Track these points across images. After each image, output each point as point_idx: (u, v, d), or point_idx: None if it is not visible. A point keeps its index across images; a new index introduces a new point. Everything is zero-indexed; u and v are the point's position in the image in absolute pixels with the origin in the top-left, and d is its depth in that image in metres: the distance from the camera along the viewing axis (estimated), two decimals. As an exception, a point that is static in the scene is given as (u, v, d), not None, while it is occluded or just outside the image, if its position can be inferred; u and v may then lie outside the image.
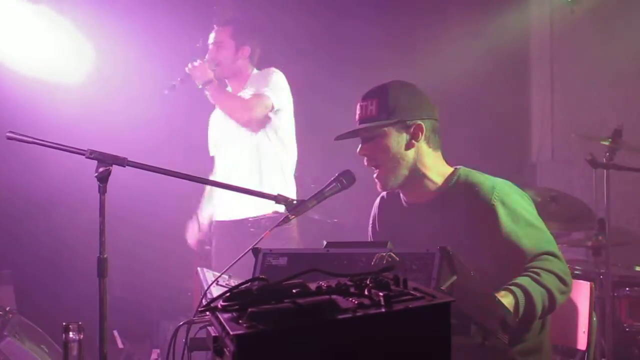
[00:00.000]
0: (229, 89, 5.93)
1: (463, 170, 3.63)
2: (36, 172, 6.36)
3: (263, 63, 5.95)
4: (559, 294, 3.35)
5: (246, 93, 5.77)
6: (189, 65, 5.69)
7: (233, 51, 5.82)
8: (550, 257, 3.40)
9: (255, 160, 5.72)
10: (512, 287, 3.27)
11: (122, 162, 3.47)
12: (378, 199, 3.94)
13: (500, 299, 3.18)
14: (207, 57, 5.82)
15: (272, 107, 5.66)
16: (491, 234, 3.41)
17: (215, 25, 5.90)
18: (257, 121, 5.69)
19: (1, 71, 6.27)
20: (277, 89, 5.70)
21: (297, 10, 7.33)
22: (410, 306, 2.03)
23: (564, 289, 3.38)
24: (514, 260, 3.40)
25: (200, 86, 5.69)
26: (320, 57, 7.52)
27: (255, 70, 5.91)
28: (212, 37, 5.88)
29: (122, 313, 5.44)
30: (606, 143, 5.71)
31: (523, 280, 3.30)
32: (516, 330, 3.24)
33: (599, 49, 7.52)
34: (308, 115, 5.92)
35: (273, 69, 5.85)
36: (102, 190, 3.39)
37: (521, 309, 3.24)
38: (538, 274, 3.32)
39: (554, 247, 3.46)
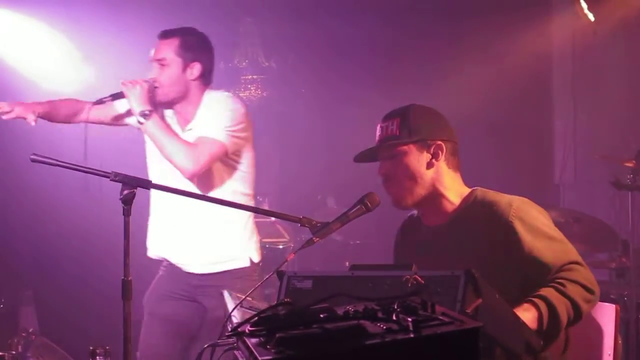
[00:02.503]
0: (173, 119, 4.86)
1: (480, 190, 3.62)
2: (57, 193, 6.38)
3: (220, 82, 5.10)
4: (584, 303, 3.32)
5: (195, 126, 4.74)
6: (122, 81, 4.67)
7: (179, 70, 4.74)
8: (575, 266, 3.38)
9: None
10: (536, 300, 3.26)
11: (147, 184, 3.49)
12: (401, 223, 3.94)
13: (524, 312, 3.18)
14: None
15: (227, 153, 4.69)
16: (512, 251, 3.40)
17: (157, 39, 4.84)
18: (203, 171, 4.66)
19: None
20: (232, 128, 4.67)
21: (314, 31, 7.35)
22: (438, 331, 2.02)
23: (590, 298, 3.36)
24: (539, 275, 3.38)
25: (136, 115, 4.61)
26: (339, 79, 7.54)
27: (208, 92, 4.84)
28: (152, 52, 4.82)
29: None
30: (630, 165, 5.69)
31: (547, 291, 3.29)
32: (541, 351, 3.23)
33: (621, 69, 7.51)
34: (331, 137, 5.86)
35: (227, 96, 4.87)
36: (127, 213, 3.38)
37: (545, 322, 3.23)
38: (563, 285, 3.30)
39: (577, 256, 3.43)
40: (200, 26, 4.85)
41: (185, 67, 4.74)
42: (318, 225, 3.56)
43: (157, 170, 4.84)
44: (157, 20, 6.52)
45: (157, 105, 4.74)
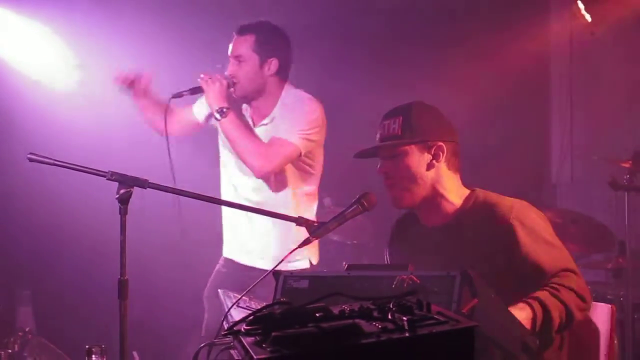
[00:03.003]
0: (248, 113, 4.90)
1: (480, 192, 3.64)
2: (56, 192, 6.36)
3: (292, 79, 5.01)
4: (577, 311, 3.36)
5: (270, 123, 4.79)
6: (202, 76, 4.71)
7: (256, 66, 4.77)
8: (570, 274, 3.41)
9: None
10: (530, 301, 3.29)
11: (143, 184, 3.46)
12: (395, 221, 3.94)
13: (518, 311, 3.20)
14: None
15: (300, 155, 4.72)
16: (510, 253, 3.42)
17: (234, 34, 4.86)
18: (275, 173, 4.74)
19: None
20: (307, 131, 4.71)
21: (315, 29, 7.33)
22: (434, 331, 2.02)
23: (583, 306, 3.40)
24: (534, 278, 3.41)
25: (213, 111, 4.68)
26: (336, 80, 7.52)
27: (287, 89, 4.85)
28: (230, 48, 4.84)
29: (142, 334, 5.45)
30: (626, 165, 5.69)
31: (542, 294, 3.32)
32: (537, 351, 3.24)
33: (618, 70, 7.51)
34: (328, 137, 5.78)
35: (306, 97, 4.84)
36: (123, 212, 3.37)
37: (538, 323, 3.26)
38: (557, 289, 3.33)
39: (572, 264, 3.47)
40: (199, 27, 4.84)
41: (262, 63, 4.78)
42: (315, 225, 3.56)
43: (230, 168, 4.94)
44: (156, 22, 6.53)
45: (233, 100, 4.77)
